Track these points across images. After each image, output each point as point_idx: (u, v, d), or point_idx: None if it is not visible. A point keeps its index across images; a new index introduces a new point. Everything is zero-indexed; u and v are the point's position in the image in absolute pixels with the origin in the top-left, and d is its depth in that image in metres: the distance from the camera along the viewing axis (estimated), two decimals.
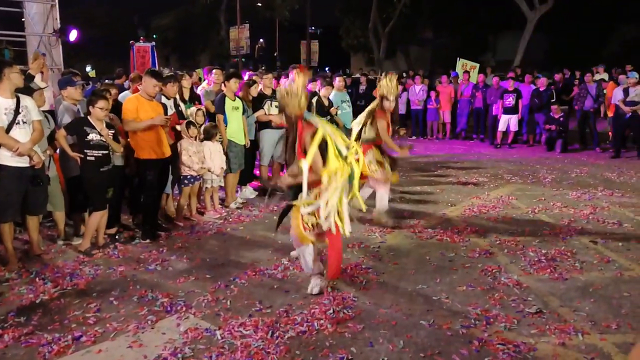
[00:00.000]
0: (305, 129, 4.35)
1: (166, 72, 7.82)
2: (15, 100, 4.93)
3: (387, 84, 6.43)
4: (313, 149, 4.20)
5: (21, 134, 4.93)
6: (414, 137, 14.73)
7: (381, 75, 6.37)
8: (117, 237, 5.96)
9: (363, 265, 5.10)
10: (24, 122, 4.96)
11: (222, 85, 7.46)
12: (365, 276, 4.83)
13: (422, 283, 4.66)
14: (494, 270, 4.88)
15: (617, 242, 5.66)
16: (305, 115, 4.42)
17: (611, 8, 24.65)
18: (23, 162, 4.95)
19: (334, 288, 4.54)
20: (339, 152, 4.30)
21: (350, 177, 4.45)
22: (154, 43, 11.56)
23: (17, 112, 4.91)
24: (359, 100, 15.42)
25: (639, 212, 6.83)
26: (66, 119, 5.72)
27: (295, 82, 4.40)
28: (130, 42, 11.27)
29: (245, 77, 9.41)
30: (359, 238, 5.95)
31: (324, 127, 4.33)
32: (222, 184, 7.32)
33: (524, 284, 4.57)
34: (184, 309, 4.21)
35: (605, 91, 12.32)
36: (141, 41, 11.21)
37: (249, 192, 8.04)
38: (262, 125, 8.01)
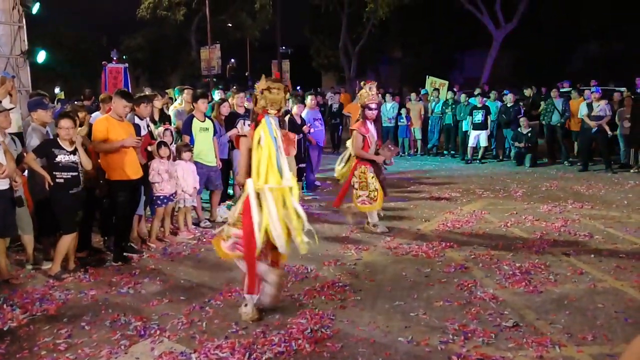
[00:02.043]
0: (255, 128, 4.25)
1: (148, 91, 7.75)
2: None
3: (367, 93, 6.48)
4: (243, 149, 4.24)
5: (1, 157, 4.90)
6: None
7: (360, 85, 6.52)
8: (87, 260, 5.81)
9: (340, 283, 5.07)
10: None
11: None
12: (342, 294, 4.80)
13: (399, 299, 4.65)
14: (469, 285, 4.90)
15: (589, 254, 5.75)
16: (266, 117, 4.25)
17: (574, 26, 25.40)
18: (4, 185, 4.92)
19: (313, 307, 4.50)
20: (280, 169, 4.14)
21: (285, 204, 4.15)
22: (126, 65, 11.45)
23: None
24: (333, 118, 15.56)
25: (609, 224, 6.96)
26: (34, 141, 5.60)
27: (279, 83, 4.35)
28: (103, 62, 11.16)
29: (217, 97, 9.39)
30: (335, 255, 5.93)
31: (268, 136, 4.16)
32: (195, 204, 7.24)
33: (500, 297, 4.60)
34: (158, 332, 4.12)
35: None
36: (113, 62, 11.09)
37: (222, 211, 7.95)
38: (234, 145, 7.97)
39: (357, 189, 6.75)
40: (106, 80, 10.87)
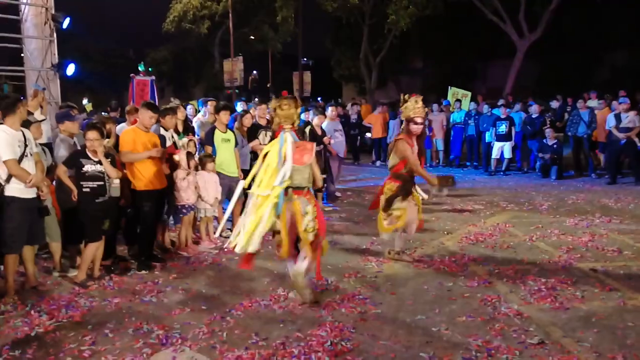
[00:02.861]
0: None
1: (176, 102, 7.89)
2: (22, 133, 5.05)
3: (413, 106, 5.94)
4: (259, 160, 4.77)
5: (29, 166, 5.03)
6: None
7: (404, 97, 5.99)
8: (112, 268, 5.90)
9: (360, 296, 5.04)
10: (30, 155, 5.08)
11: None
12: (362, 307, 4.78)
13: (420, 313, 4.60)
14: (493, 300, 4.83)
15: (618, 270, 5.61)
16: (281, 134, 4.74)
17: (600, 35, 25.03)
18: (31, 194, 5.04)
19: (333, 319, 4.48)
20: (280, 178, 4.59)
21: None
22: (153, 77, 11.65)
23: (25, 144, 5.02)
24: (352, 129, 15.58)
25: (639, 239, 6.79)
26: (62, 152, 5.73)
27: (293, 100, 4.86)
28: (131, 75, 11.37)
29: (240, 108, 9.47)
30: (355, 267, 5.91)
31: (274, 151, 4.69)
32: (216, 214, 7.28)
33: (524, 313, 4.52)
34: (180, 341, 4.14)
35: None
36: (141, 75, 11.29)
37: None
38: (257, 155, 8.00)
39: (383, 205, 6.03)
40: (133, 92, 11.06)
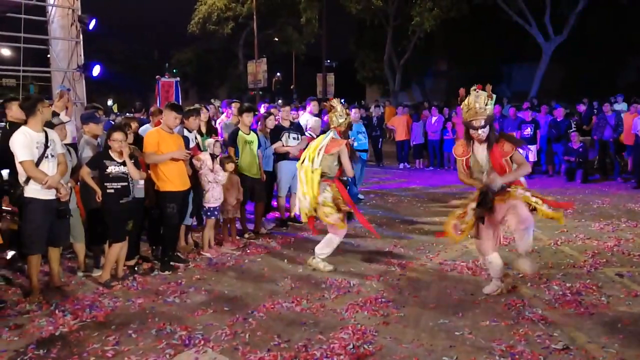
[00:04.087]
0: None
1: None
2: (44, 134, 5.08)
3: (468, 105, 4.86)
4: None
5: (49, 167, 5.06)
6: (431, 168, 14.73)
7: (462, 93, 4.95)
8: (136, 268, 5.97)
9: (383, 299, 5.01)
10: (52, 156, 5.10)
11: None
12: (385, 310, 4.76)
13: (443, 317, 4.56)
14: (517, 305, 4.76)
15: None
16: (328, 131, 6.13)
17: (626, 37, 24.61)
18: (50, 195, 5.06)
19: (355, 322, 4.47)
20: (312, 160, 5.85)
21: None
22: (178, 79, 11.81)
23: (46, 145, 5.04)
24: (374, 131, 15.54)
25: None
26: (87, 152, 5.82)
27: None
28: (157, 77, 11.53)
29: (263, 110, 9.51)
30: (378, 270, 5.89)
31: (318, 141, 6.10)
32: (238, 216, 7.32)
33: (549, 318, 4.45)
34: (202, 342, 4.17)
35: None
36: (166, 76, 11.46)
37: (266, 223, 8.04)
38: (280, 156, 8.05)
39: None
40: (159, 94, 11.21)
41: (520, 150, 5.00)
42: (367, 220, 6.41)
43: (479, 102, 4.79)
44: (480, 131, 4.77)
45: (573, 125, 12.45)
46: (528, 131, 12.48)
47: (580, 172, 11.79)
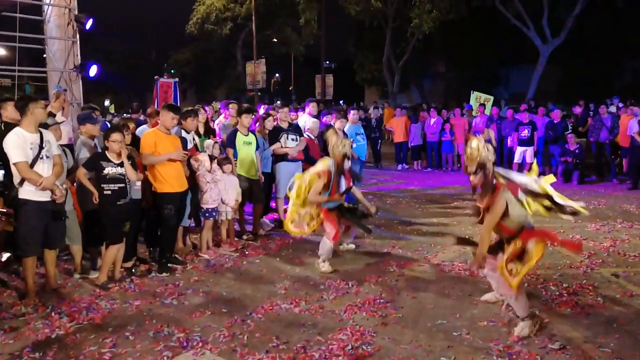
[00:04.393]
0: None
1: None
2: (39, 135, 5.03)
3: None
4: None
5: (44, 169, 5.01)
6: (429, 169, 14.75)
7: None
8: (133, 270, 5.96)
9: (381, 300, 5.02)
10: (47, 157, 5.05)
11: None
12: (383, 311, 4.76)
13: (441, 318, 4.57)
14: None
15: None
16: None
17: (622, 40, 24.71)
18: (45, 197, 5.01)
19: (354, 323, 4.48)
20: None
21: None
22: (177, 79, 11.79)
23: (41, 147, 5.00)
24: (372, 132, 15.56)
25: None
26: (83, 153, 5.79)
27: None
28: (155, 77, 11.51)
29: (262, 111, 9.50)
30: (376, 271, 5.89)
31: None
32: (237, 217, 7.32)
33: (545, 318, 4.46)
34: (200, 344, 4.16)
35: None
36: (165, 77, 11.44)
37: (265, 224, 8.03)
38: (279, 158, 8.04)
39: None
40: (157, 94, 11.20)
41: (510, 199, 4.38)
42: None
43: (472, 147, 4.47)
44: (471, 177, 4.49)
45: (569, 127, 12.50)
46: (525, 133, 12.53)
47: (577, 174, 11.84)
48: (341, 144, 6.07)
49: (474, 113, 14.96)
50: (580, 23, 22.87)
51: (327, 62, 34.16)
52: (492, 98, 16.01)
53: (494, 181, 4.38)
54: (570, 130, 12.33)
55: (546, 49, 23.23)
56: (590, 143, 12.61)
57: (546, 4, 22.24)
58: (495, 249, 4.46)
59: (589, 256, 6.25)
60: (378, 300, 5.00)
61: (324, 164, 6.15)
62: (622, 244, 6.80)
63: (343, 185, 6.12)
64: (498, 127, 13.64)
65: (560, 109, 13.16)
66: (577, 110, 14.54)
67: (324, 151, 8.76)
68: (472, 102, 16.01)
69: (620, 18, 23.96)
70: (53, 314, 4.81)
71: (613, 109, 13.39)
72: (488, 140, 4.43)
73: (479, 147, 4.40)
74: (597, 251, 6.47)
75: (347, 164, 6.14)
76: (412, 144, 15.12)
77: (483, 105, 15.08)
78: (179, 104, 10.17)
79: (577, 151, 11.86)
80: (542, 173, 12.73)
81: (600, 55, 25.42)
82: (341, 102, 28.22)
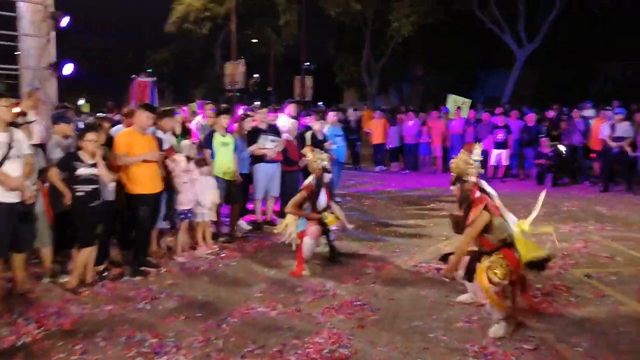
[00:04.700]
0: None
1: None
2: (8, 134, 4.87)
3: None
4: None
5: (13, 169, 4.85)
6: (406, 171, 14.82)
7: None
8: (105, 274, 5.81)
9: (358, 302, 5.00)
10: (17, 157, 4.89)
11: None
12: (360, 313, 4.75)
13: (418, 320, 4.57)
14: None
15: (611, 277, 5.63)
16: None
17: (597, 46, 25.19)
18: (13, 198, 4.86)
19: (331, 326, 4.44)
20: None
21: None
22: (154, 79, 11.62)
23: (9, 146, 4.84)
24: (352, 134, 15.57)
25: (631, 246, 6.81)
26: (57, 153, 5.65)
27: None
28: (133, 76, 11.35)
29: (240, 112, 9.43)
30: (353, 273, 5.87)
31: None
32: (214, 219, 7.23)
33: (520, 319, 4.48)
34: (174, 350, 4.09)
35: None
36: (143, 76, 11.25)
37: (242, 226, 7.96)
38: (256, 159, 7.98)
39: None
40: (134, 93, 11.04)
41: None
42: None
43: (454, 159, 4.68)
44: (451, 187, 4.68)
45: (543, 130, 12.70)
46: (501, 135, 12.69)
47: (550, 176, 12.02)
48: (319, 159, 6.22)
49: (450, 116, 15.08)
50: (555, 28, 23.21)
51: (307, 64, 34.08)
52: (469, 101, 16.15)
53: (477, 194, 4.45)
54: (544, 134, 12.51)
55: (522, 54, 23.55)
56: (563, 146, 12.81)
57: (522, 9, 22.55)
58: (474, 258, 4.45)
59: (562, 257, 6.32)
60: (355, 303, 4.98)
61: (308, 180, 6.27)
62: (594, 245, 6.91)
63: (323, 198, 6.16)
64: (475, 129, 13.78)
65: (535, 113, 13.34)
66: (551, 114, 14.78)
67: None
68: (449, 104, 16.13)
69: (596, 24, 24.38)
70: (20, 320, 4.65)
71: (586, 113, 13.62)
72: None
73: (459, 161, 4.57)
74: (570, 252, 6.55)
75: (327, 177, 6.28)
76: (390, 146, 15.19)
77: (460, 108, 15.22)
78: (156, 104, 10.03)
79: (550, 154, 12.04)
80: (515, 175, 13.03)
81: (576, 60, 25.83)
82: (320, 103, 28.19)
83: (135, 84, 11.22)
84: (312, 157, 6.28)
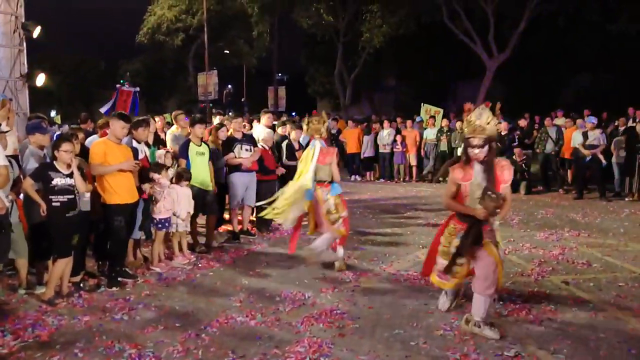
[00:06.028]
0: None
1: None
2: None
3: (469, 121, 4.47)
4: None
5: None
6: (381, 180, 14.92)
7: (468, 108, 4.64)
8: (81, 285, 5.71)
9: (338, 311, 4.99)
10: None
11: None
12: (340, 322, 4.74)
13: (398, 328, 4.58)
14: (469, 313, 4.83)
15: (589, 283, 5.72)
16: (313, 141, 6.38)
17: (565, 58, 25.86)
18: None
19: (311, 334, 4.43)
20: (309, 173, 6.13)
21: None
22: (137, 88, 11.54)
23: None
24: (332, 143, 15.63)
25: (607, 252, 6.95)
26: (32, 164, 5.55)
27: None
28: (117, 85, 11.28)
29: (216, 121, 9.38)
30: (333, 282, 5.87)
31: (307, 153, 6.29)
32: (189, 229, 7.15)
33: (500, 326, 4.54)
34: None
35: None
36: (127, 85, 11.20)
37: (218, 236, 7.89)
38: (232, 168, 7.94)
39: (438, 254, 4.81)
40: (116, 102, 10.96)
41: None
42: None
43: (482, 119, 4.35)
44: (477, 150, 4.34)
45: (516, 139, 12.91)
46: None
47: (524, 184, 12.20)
48: (322, 121, 6.44)
49: (424, 125, 15.27)
50: (524, 40, 23.74)
51: (280, 74, 34.21)
52: (442, 110, 16.37)
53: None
54: (517, 143, 12.72)
55: (492, 64, 23.99)
56: (536, 154, 13.05)
57: (492, 21, 23.02)
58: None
59: (539, 264, 6.42)
60: (335, 311, 4.97)
61: (317, 150, 6.25)
62: (571, 252, 7.02)
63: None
64: (448, 138, 13.96)
65: (508, 122, 13.57)
66: (523, 123, 15.05)
67: (279, 161, 8.75)
68: (422, 114, 16.33)
69: (563, 36, 25.04)
70: None
71: (558, 121, 13.91)
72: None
73: (490, 120, 4.34)
74: (547, 259, 6.65)
75: None
76: (364, 155, 15.28)
77: (433, 117, 15.41)
78: (138, 113, 9.93)
79: (523, 163, 12.24)
80: None
81: (545, 71, 26.48)
82: (293, 113, 28.25)
83: (118, 92, 11.14)
84: (316, 119, 6.43)
